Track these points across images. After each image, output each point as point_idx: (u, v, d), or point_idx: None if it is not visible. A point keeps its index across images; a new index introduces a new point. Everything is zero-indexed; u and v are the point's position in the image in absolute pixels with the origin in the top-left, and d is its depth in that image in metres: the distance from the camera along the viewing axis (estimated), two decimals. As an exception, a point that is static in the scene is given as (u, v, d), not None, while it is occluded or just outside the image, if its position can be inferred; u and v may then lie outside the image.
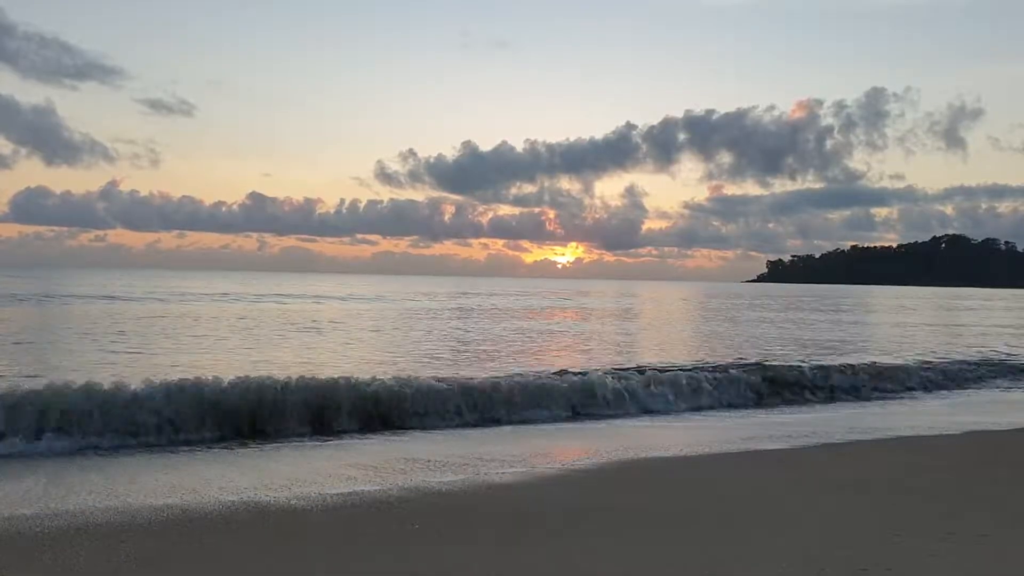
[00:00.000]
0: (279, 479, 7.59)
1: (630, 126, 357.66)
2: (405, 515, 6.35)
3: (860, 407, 14.00)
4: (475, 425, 11.36)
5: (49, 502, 6.61)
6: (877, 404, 14.46)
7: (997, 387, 17.07)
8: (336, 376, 11.78)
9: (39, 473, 7.80)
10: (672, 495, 7.26)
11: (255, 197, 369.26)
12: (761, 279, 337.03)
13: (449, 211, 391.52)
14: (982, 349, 24.10)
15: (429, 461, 8.53)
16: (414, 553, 5.39)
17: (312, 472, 7.99)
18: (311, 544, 5.60)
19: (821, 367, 16.29)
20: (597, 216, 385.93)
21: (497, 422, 11.56)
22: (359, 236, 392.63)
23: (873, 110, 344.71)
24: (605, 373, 13.90)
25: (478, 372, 14.42)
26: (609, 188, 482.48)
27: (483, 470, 8.10)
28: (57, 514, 6.24)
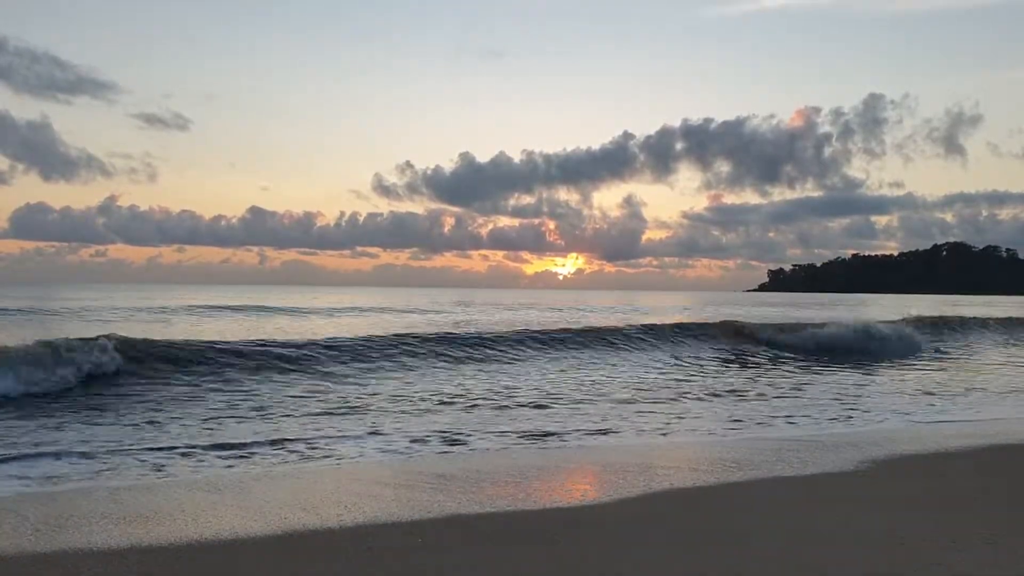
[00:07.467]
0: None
1: (627, 135, 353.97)
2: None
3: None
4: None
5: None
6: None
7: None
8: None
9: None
10: (671, 500, 7.31)
11: (255, 211, 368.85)
12: (763, 288, 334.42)
13: (448, 223, 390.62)
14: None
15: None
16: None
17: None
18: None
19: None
20: (596, 226, 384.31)
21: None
22: (359, 249, 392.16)
23: (871, 117, 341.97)
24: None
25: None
26: (607, 198, 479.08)
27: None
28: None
